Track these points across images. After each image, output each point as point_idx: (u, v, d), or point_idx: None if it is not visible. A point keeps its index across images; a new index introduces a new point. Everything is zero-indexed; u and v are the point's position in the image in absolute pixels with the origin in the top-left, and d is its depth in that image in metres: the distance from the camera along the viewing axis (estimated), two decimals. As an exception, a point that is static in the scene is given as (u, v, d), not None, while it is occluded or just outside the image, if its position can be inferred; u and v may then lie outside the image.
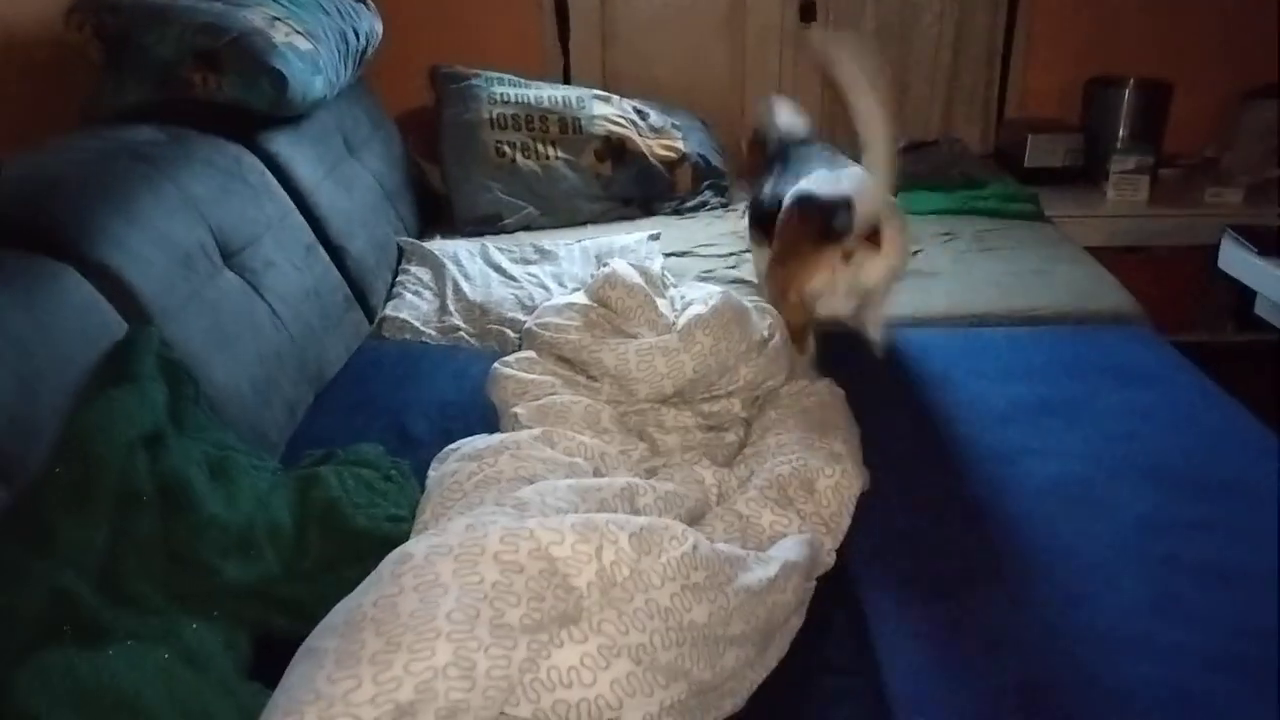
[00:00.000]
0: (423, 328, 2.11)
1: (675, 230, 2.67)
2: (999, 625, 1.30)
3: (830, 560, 1.36)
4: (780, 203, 1.81)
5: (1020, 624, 1.30)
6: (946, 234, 2.61)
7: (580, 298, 1.85)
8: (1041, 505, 1.52)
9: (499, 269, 2.36)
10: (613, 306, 1.80)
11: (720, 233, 2.64)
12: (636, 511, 1.30)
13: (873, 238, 1.68)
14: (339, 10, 2.38)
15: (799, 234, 1.75)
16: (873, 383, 1.87)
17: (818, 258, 1.71)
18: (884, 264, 1.71)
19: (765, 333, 1.75)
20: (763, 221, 1.93)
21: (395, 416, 1.79)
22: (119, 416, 1.31)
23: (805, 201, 1.76)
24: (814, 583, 1.30)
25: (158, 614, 1.18)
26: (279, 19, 2.11)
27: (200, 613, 1.21)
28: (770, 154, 2.08)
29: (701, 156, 2.91)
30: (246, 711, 1.05)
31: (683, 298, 1.86)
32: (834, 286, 1.73)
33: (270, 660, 1.11)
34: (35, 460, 1.23)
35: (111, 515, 1.23)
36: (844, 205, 1.67)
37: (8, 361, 1.27)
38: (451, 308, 2.17)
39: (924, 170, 2.95)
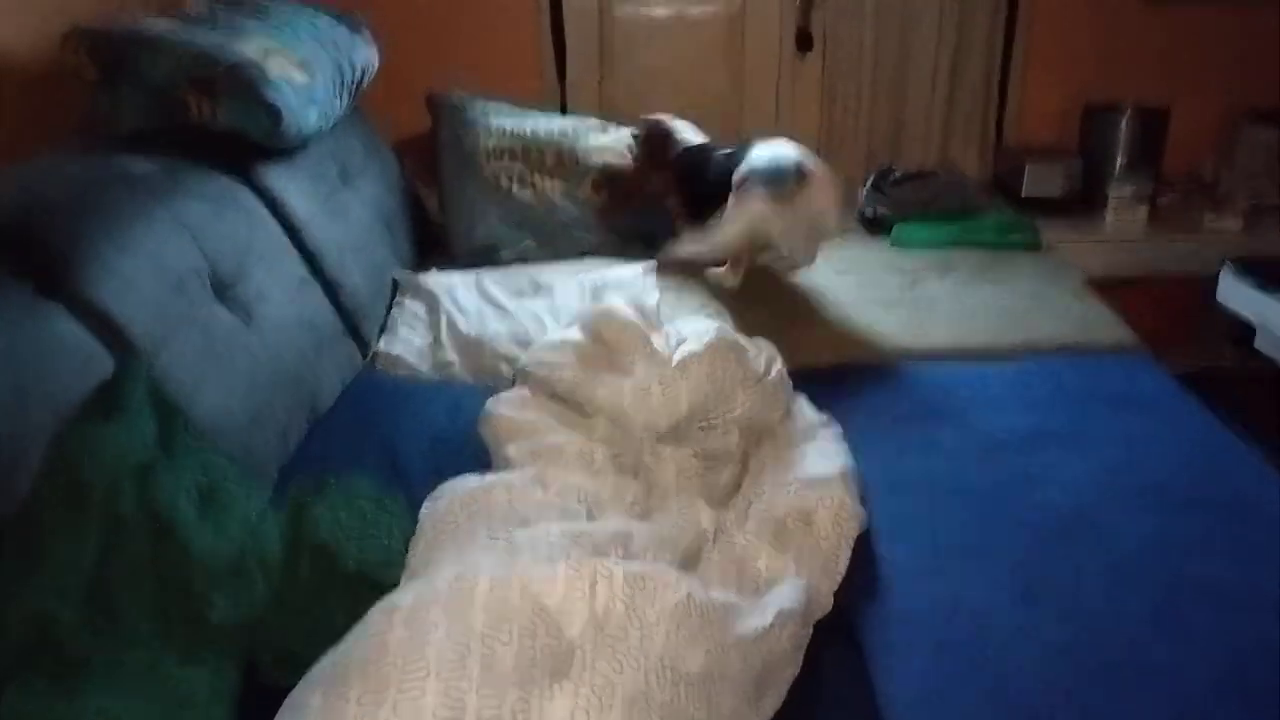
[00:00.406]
0: (417, 364, 2.09)
1: (671, 264, 2.64)
2: (1001, 659, 1.29)
3: (828, 604, 1.34)
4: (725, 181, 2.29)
5: (1023, 657, 1.29)
6: (944, 266, 2.60)
7: (574, 334, 1.83)
8: (1043, 533, 1.52)
9: (494, 303, 2.34)
10: (607, 343, 1.79)
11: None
12: (631, 555, 1.28)
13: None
14: (335, 42, 2.37)
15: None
16: (871, 416, 1.86)
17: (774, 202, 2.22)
18: (817, 198, 2.24)
19: (761, 368, 1.74)
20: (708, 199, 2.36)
21: (388, 451, 1.76)
22: (107, 444, 1.30)
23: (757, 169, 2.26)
24: (810, 630, 1.27)
25: (143, 645, 1.16)
26: (274, 51, 2.10)
27: (187, 647, 1.19)
28: (690, 158, 2.55)
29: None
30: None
31: (677, 333, 1.84)
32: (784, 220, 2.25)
33: (257, 710, 1.10)
34: (19, 493, 1.22)
35: (99, 538, 1.21)
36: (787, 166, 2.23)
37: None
38: (446, 342, 2.15)
39: (922, 200, 2.94)
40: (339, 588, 1.32)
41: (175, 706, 1.13)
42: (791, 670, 1.20)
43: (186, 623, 1.22)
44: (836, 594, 1.38)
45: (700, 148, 2.58)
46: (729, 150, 2.44)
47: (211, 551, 1.29)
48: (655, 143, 2.62)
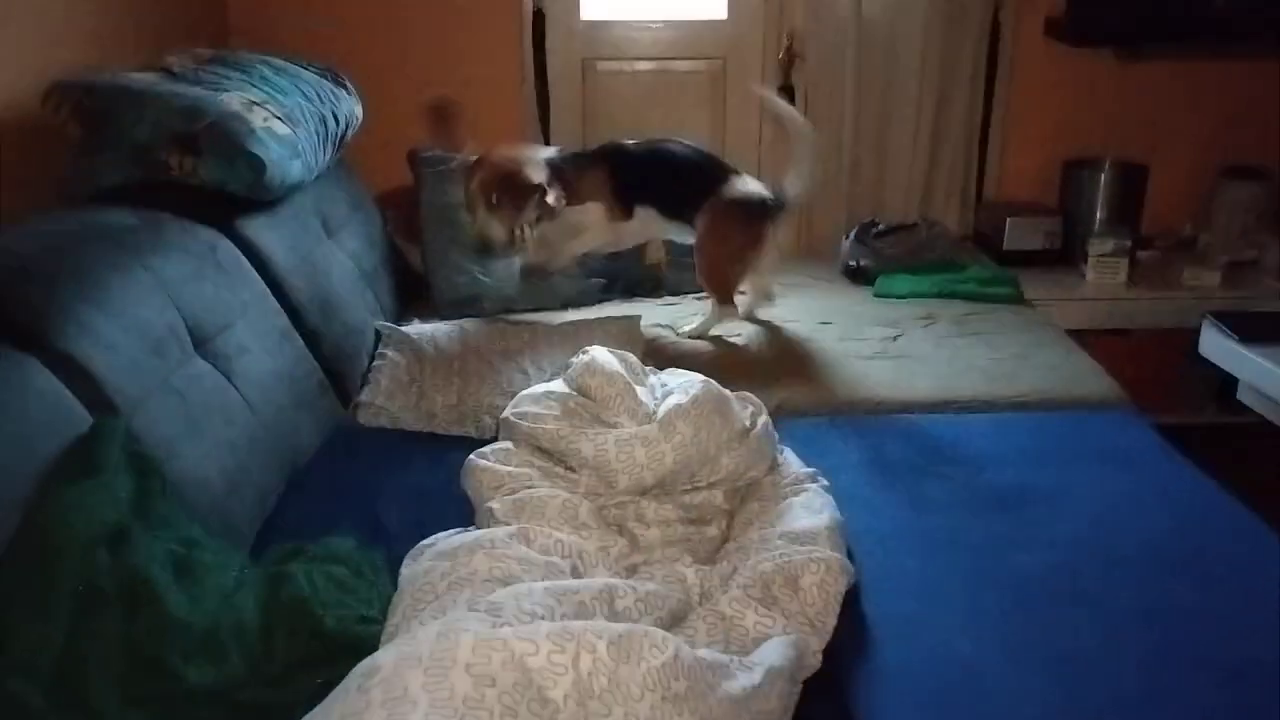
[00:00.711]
0: (399, 413, 2.07)
1: (656, 313, 2.66)
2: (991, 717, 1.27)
3: (817, 662, 1.32)
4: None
5: (1014, 716, 1.28)
6: (926, 318, 2.61)
7: (559, 385, 1.82)
8: (1031, 592, 1.51)
9: (477, 353, 2.33)
10: (592, 395, 1.77)
11: (697, 312, 2.63)
12: (616, 614, 1.26)
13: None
14: (319, 94, 2.38)
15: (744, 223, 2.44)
16: (856, 468, 1.85)
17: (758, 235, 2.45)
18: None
19: (747, 422, 1.73)
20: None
21: (368, 505, 1.75)
22: (81, 510, 1.27)
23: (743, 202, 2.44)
24: (799, 687, 1.25)
25: None
26: (257, 104, 2.10)
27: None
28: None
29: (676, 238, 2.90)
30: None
31: (663, 385, 1.83)
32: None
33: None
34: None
35: (70, 613, 1.18)
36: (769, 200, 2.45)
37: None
38: (428, 393, 2.13)
39: (903, 253, 2.96)
40: (316, 655, 1.29)
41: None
42: (782, 729, 1.17)
43: (159, 696, 1.19)
44: (824, 650, 1.35)
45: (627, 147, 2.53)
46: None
47: (186, 621, 1.26)
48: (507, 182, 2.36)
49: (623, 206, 2.47)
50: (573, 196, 2.40)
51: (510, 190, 2.32)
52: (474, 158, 2.44)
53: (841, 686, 1.33)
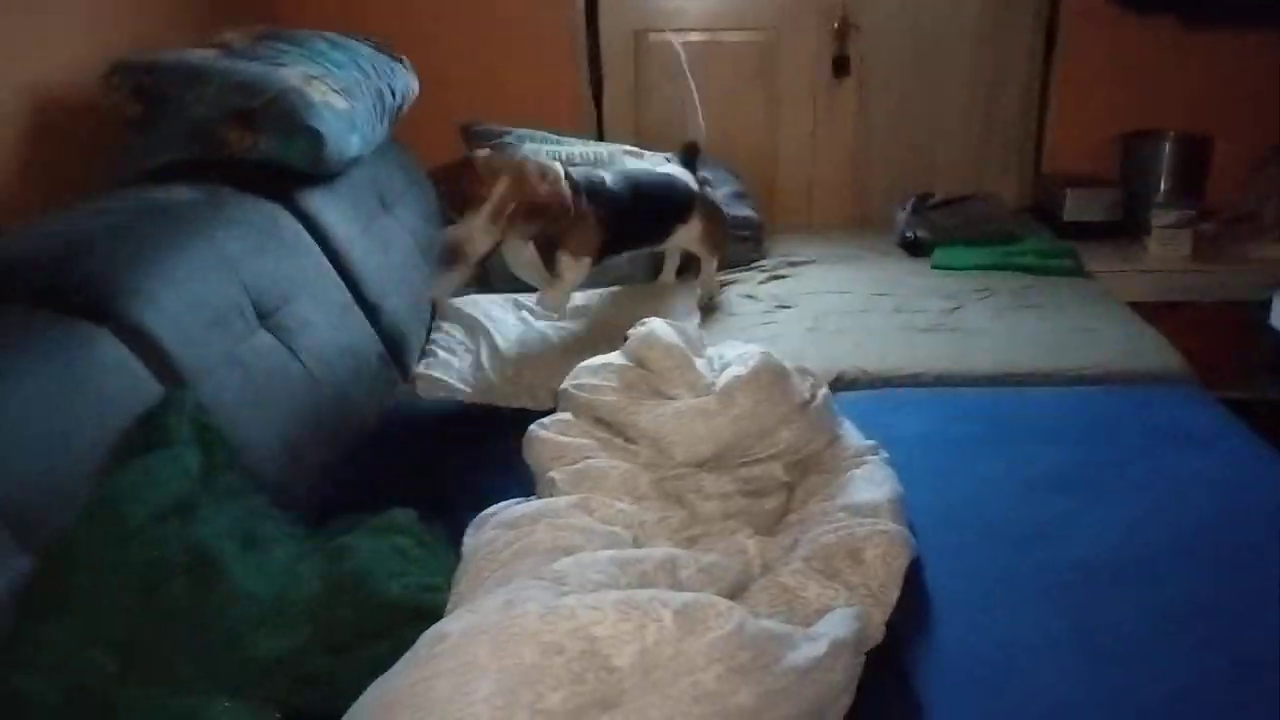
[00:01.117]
0: (457, 385, 2.09)
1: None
2: (1053, 700, 1.25)
3: (880, 634, 1.31)
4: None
5: (1075, 699, 1.25)
6: (985, 290, 2.58)
7: (617, 358, 1.81)
8: (1092, 576, 1.47)
9: (533, 325, 2.33)
10: (650, 367, 1.77)
11: (755, 285, 2.62)
12: (678, 584, 1.26)
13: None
14: (375, 68, 2.39)
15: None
16: (914, 445, 1.82)
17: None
18: None
19: (806, 395, 1.72)
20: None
21: (429, 477, 1.76)
22: (149, 484, 1.29)
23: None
24: (864, 658, 1.24)
25: (185, 692, 1.14)
26: (316, 78, 2.11)
27: (229, 691, 1.18)
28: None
29: (732, 210, 2.88)
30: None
31: (721, 358, 1.82)
32: None
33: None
34: (64, 524, 1.21)
35: (138, 586, 1.20)
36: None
37: (38, 423, 1.26)
38: (486, 365, 2.15)
39: (959, 225, 2.92)
40: (381, 624, 1.29)
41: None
42: (846, 700, 1.17)
43: (226, 664, 1.21)
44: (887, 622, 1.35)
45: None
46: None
47: (253, 592, 1.28)
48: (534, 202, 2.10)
49: (599, 258, 2.28)
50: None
51: (539, 211, 2.07)
52: (481, 154, 2.17)
53: (901, 661, 1.33)
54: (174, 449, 1.37)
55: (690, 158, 2.58)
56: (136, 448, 1.35)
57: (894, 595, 1.37)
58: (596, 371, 1.77)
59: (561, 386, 1.79)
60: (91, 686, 1.11)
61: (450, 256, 2.13)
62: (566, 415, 1.72)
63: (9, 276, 1.49)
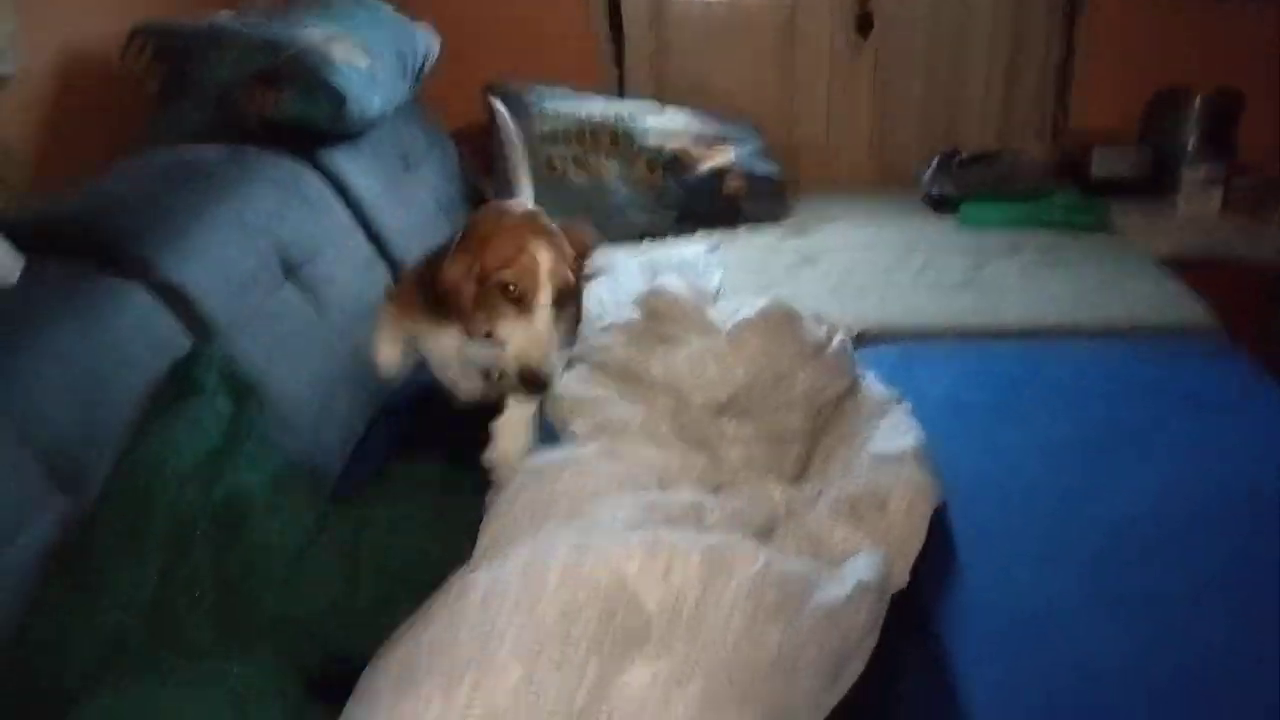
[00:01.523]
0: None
1: (733, 244, 2.64)
2: (1078, 656, 1.26)
3: (904, 579, 1.32)
4: None
5: (1101, 656, 1.25)
6: (1012, 247, 2.56)
7: (622, 317, 1.81)
8: (1119, 537, 1.46)
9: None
10: (660, 316, 1.76)
11: (777, 240, 2.61)
12: (705, 528, 1.27)
13: None
14: (396, 28, 2.38)
15: None
16: (940, 399, 1.81)
17: None
18: None
19: (822, 337, 1.71)
20: None
21: (455, 429, 1.76)
22: (173, 447, 1.30)
23: None
24: (887, 602, 1.25)
25: (208, 653, 1.16)
26: (336, 38, 2.11)
27: (251, 651, 1.19)
28: None
29: (754, 167, 2.87)
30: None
31: (733, 309, 1.82)
32: None
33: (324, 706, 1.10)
34: (99, 470, 1.24)
35: (163, 550, 1.22)
36: None
37: (73, 373, 1.28)
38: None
39: (987, 181, 2.89)
40: (403, 589, 1.29)
41: (239, 703, 1.12)
42: (870, 641, 1.17)
43: (249, 627, 1.22)
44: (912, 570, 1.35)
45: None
46: None
47: (276, 550, 1.30)
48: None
49: None
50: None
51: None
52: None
53: (925, 608, 1.33)
54: (203, 398, 1.38)
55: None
56: (166, 397, 1.37)
57: (918, 545, 1.38)
58: (604, 331, 1.77)
59: (574, 351, 1.78)
60: (122, 639, 1.12)
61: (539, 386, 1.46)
62: (585, 369, 1.71)
63: (47, 234, 1.51)
